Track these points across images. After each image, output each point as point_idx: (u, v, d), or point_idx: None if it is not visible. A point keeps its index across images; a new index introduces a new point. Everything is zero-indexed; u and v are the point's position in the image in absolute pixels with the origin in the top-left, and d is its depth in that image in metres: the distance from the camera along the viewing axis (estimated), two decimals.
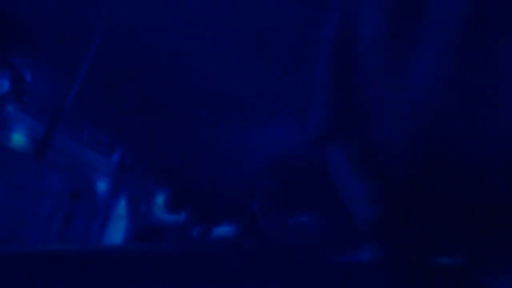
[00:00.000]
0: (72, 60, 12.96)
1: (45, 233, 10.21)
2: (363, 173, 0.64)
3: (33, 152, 10.66)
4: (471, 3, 0.49)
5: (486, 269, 0.43)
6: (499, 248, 0.43)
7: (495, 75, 0.46)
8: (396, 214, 0.55)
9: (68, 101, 12.28)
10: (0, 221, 8.76)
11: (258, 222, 19.50)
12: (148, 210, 18.27)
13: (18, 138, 10.72)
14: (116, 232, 14.81)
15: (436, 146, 0.50)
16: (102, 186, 13.77)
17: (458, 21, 0.50)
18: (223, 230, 21.31)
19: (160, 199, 20.12)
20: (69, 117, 12.55)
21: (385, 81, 0.59)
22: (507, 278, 0.42)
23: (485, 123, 0.46)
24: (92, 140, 14.10)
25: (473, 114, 0.47)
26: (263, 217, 19.15)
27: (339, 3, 0.78)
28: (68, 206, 11.56)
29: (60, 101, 12.13)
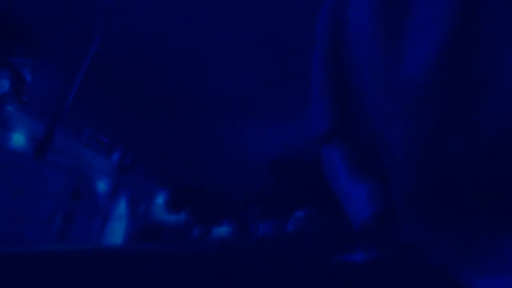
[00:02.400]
0: (72, 60, 12.96)
1: (45, 233, 10.20)
2: (360, 174, 0.64)
3: (33, 152, 10.66)
4: None
5: (478, 270, 0.44)
6: (491, 250, 0.44)
7: (490, 68, 0.46)
8: (393, 214, 0.56)
9: (68, 101, 12.28)
10: (0, 221, 8.76)
11: (254, 223, 19.49)
12: (148, 210, 18.27)
13: (18, 138, 10.72)
14: (116, 232, 14.81)
15: (435, 143, 0.50)
16: (102, 186, 13.76)
17: (448, 15, 0.50)
18: (222, 230, 21.31)
19: (160, 199, 20.12)
20: (69, 117, 12.56)
21: (380, 80, 0.59)
22: (496, 279, 0.42)
23: (484, 117, 0.46)
24: (92, 140, 14.10)
25: (471, 108, 0.47)
26: (260, 218, 19.13)
27: (332, 2, 0.78)
28: (68, 206, 11.56)
29: (60, 101, 12.13)
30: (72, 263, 0.33)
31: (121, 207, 15.32)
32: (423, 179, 0.49)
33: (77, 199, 12.08)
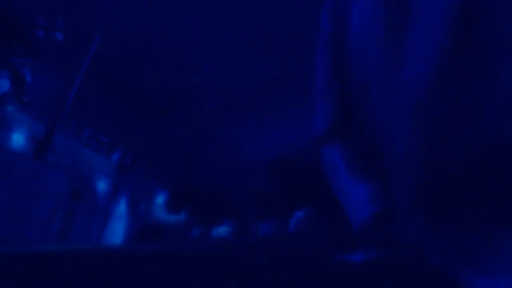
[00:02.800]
0: (72, 60, 12.96)
1: (45, 233, 10.20)
2: (360, 174, 0.64)
3: (33, 152, 10.66)
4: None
5: (478, 270, 0.44)
6: (492, 250, 0.44)
7: (491, 68, 0.46)
8: (393, 214, 0.56)
9: (68, 101, 12.29)
10: (0, 221, 8.76)
11: (254, 223, 19.51)
12: (148, 210, 18.28)
13: (18, 138, 10.73)
14: (116, 232, 14.81)
15: (436, 144, 0.50)
16: (102, 186, 13.76)
17: (448, 15, 0.50)
18: (222, 230, 21.32)
19: (160, 199, 20.13)
20: (69, 117, 12.56)
21: (381, 81, 0.59)
22: (496, 279, 0.42)
23: (485, 118, 0.46)
24: (92, 140, 14.11)
25: (472, 108, 0.47)
26: (260, 218, 19.15)
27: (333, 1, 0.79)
28: (68, 206, 11.56)
29: (60, 101, 12.13)
30: (72, 263, 0.33)
31: (121, 207, 15.32)
32: (423, 179, 0.49)
33: (77, 199, 12.09)
